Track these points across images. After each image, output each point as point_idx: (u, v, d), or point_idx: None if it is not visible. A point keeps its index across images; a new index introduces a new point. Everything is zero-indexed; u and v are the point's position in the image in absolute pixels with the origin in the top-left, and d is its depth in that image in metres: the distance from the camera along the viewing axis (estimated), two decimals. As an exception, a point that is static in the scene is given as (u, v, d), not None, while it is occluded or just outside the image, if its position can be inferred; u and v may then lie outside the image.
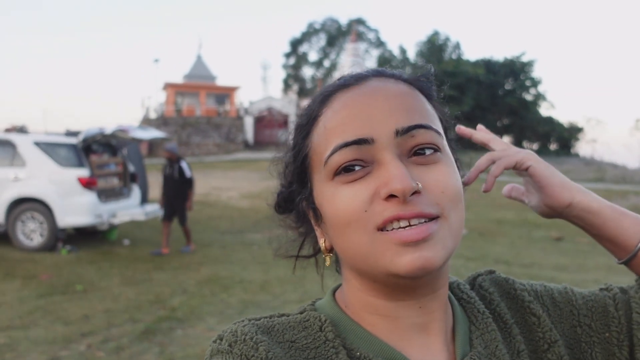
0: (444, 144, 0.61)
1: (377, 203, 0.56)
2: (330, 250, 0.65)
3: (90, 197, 8.65)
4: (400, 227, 0.55)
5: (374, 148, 0.57)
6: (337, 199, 0.58)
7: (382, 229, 0.56)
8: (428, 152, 0.58)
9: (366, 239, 0.56)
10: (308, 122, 0.64)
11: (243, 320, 0.63)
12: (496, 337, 0.67)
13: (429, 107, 0.63)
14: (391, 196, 0.55)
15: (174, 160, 8.40)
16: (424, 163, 0.58)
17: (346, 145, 0.57)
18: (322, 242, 0.66)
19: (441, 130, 0.62)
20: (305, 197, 0.65)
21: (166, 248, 8.47)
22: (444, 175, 0.58)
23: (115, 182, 9.72)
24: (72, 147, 8.93)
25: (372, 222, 0.56)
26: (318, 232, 0.66)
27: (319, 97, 0.64)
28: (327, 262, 0.67)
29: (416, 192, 0.55)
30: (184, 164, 8.41)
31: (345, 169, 0.58)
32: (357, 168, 0.57)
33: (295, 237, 0.73)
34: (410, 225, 0.55)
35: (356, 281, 0.63)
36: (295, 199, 0.68)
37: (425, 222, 0.55)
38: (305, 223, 0.70)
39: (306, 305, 0.67)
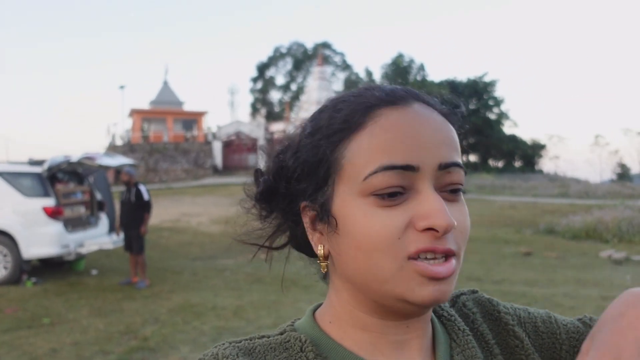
0: None
1: (412, 232, 0.56)
2: (326, 257, 0.64)
3: (56, 227, 8.45)
4: (427, 259, 0.56)
5: (416, 176, 0.57)
6: (371, 221, 0.57)
7: (412, 258, 0.56)
8: (457, 191, 0.60)
9: (395, 266, 0.56)
10: (345, 128, 0.60)
11: (224, 344, 0.62)
12: (477, 354, 0.67)
13: (458, 143, 0.62)
14: (428, 229, 0.56)
15: (131, 185, 8.26)
16: (451, 200, 0.59)
17: (393, 168, 0.57)
18: (320, 249, 0.64)
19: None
20: (317, 202, 0.62)
21: (135, 277, 8.30)
22: (464, 216, 0.60)
23: (82, 211, 9.51)
24: (37, 176, 8.71)
25: (405, 251, 0.56)
26: (315, 237, 0.65)
27: (361, 106, 0.61)
28: (323, 269, 0.66)
29: None
30: (142, 187, 8.26)
31: (387, 194, 0.57)
32: (397, 195, 0.57)
33: (261, 228, 0.70)
34: (435, 259, 0.56)
35: (348, 294, 0.63)
36: (294, 198, 0.65)
37: (447, 257, 0.57)
38: (277, 219, 0.68)
39: (285, 326, 0.67)
